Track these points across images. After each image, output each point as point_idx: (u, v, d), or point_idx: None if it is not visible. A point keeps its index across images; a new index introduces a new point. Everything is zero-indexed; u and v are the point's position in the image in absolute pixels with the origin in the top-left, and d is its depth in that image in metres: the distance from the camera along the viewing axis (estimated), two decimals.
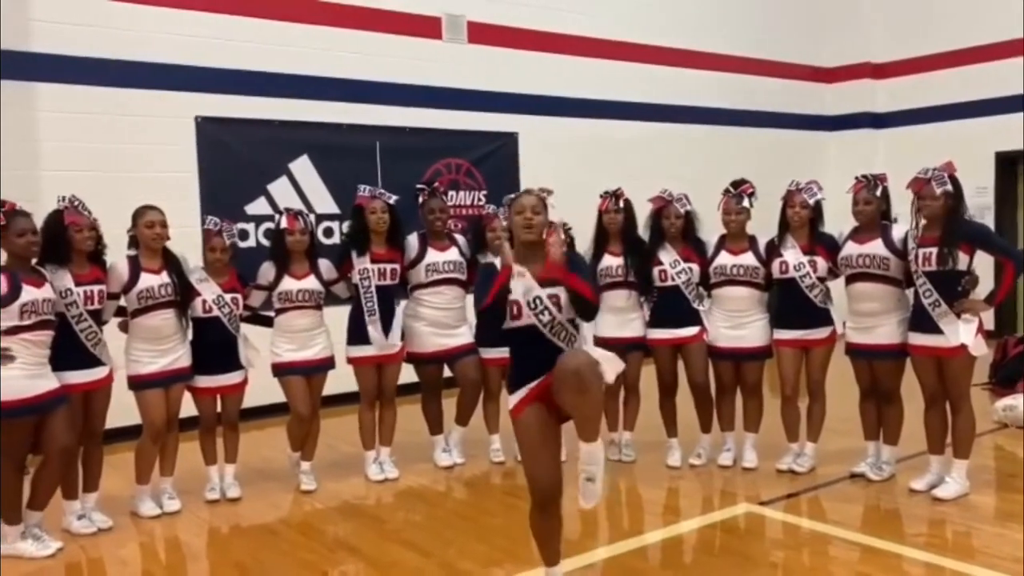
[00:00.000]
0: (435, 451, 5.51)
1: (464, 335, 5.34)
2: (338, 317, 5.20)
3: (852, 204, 4.66)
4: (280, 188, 7.15)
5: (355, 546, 4.21)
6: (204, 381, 4.81)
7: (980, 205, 9.67)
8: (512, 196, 3.46)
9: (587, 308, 3.25)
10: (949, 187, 4.31)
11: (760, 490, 4.79)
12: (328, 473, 5.28)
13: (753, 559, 3.86)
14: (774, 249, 4.92)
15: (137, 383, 4.56)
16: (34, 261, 4.17)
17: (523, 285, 3.16)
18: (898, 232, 4.58)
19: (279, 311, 4.98)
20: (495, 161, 8.26)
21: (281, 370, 4.97)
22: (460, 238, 5.50)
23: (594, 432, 3.10)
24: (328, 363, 5.08)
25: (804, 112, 10.81)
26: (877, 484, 4.75)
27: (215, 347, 4.80)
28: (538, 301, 3.18)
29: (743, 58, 10.13)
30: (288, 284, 4.92)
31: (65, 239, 4.27)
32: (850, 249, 4.67)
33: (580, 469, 3.13)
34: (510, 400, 3.29)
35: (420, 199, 5.33)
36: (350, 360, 5.18)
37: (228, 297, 4.80)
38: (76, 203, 4.32)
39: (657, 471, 5.19)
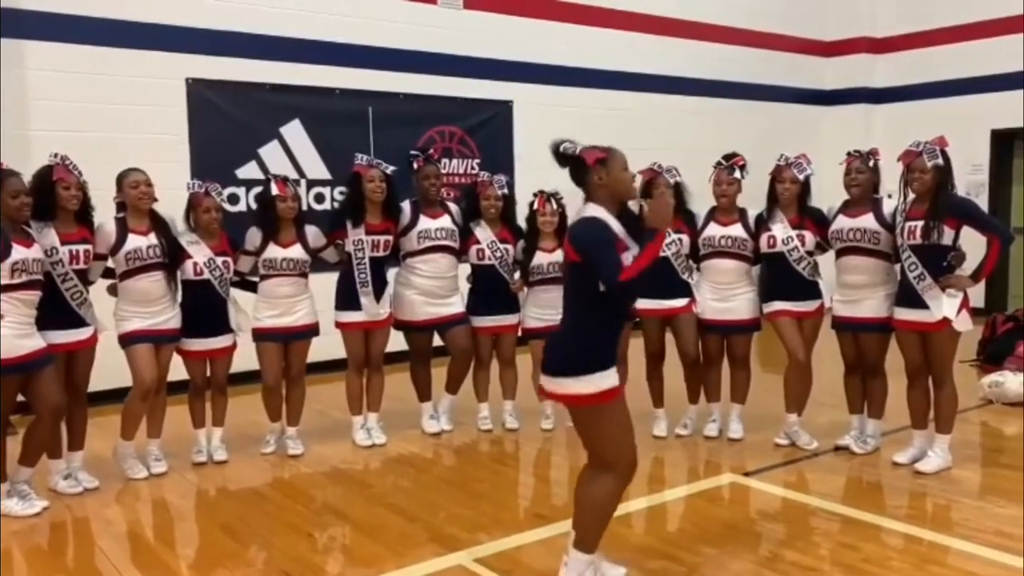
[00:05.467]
0: (423, 418, 5.53)
1: (455, 304, 5.35)
2: (326, 284, 5.19)
3: (844, 175, 4.66)
4: (271, 152, 7.10)
5: (341, 510, 4.23)
6: (193, 344, 4.80)
7: (975, 182, 9.66)
8: (611, 147, 3.26)
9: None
10: (940, 161, 4.30)
11: (745, 461, 4.83)
12: (316, 438, 5.30)
13: (737, 528, 3.89)
14: (762, 223, 4.92)
15: (127, 339, 4.54)
16: None
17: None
18: (888, 207, 4.58)
19: (263, 277, 4.96)
20: (489, 129, 8.17)
21: (259, 336, 4.97)
22: (453, 206, 5.47)
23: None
24: (310, 329, 5.06)
25: (800, 85, 10.72)
26: (861, 457, 4.79)
27: (205, 310, 4.78)
28: None
29: (740, 29, 10.03)
30: (273, 252, 4.90)
31: (53, 195, 4.24)
32: (841, 223, 4.67)
33: None
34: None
35: (415, 165, 5.29)
36: (338, 325, 5.18)
37: (219, 260, 4.78)
38: (68, 162, 4.29)
39: (643, 441, 5.12)
